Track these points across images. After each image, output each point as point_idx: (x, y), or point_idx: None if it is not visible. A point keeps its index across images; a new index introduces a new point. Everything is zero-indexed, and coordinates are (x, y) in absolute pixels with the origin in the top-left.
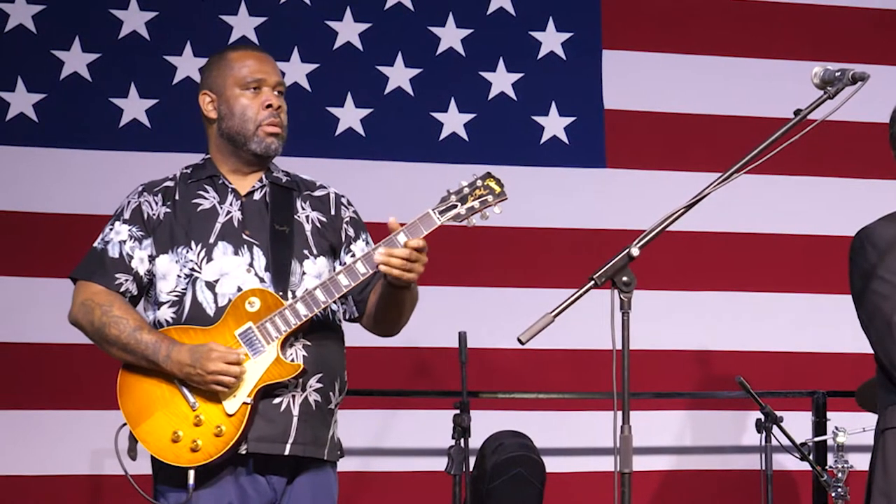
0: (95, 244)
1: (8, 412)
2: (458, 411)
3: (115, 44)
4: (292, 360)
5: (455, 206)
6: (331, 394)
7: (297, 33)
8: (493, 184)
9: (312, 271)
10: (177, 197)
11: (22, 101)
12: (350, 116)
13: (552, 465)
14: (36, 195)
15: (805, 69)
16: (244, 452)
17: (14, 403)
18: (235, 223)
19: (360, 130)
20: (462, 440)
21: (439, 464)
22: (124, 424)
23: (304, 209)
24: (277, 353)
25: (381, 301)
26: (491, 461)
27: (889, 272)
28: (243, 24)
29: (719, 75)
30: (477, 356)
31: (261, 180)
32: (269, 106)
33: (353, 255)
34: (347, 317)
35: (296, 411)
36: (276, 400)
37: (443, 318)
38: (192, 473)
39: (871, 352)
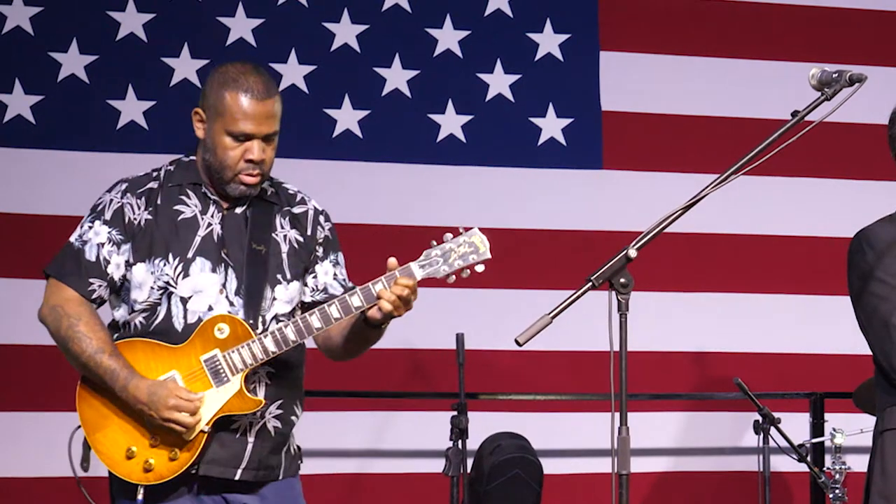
0: (72, 240)
1: (5, 413)
2: (455, 413)
3: (112, 46)
4: (254, 390)
5: (437, 263)
6: (292, 417)
7: (294, 35)
8: (477, 242)
9: (284, 297)
10: (159, 202)
11: (19, 102)
12: (347, 118)
13: (550, 466)
14: (34, 197)
15: (802, 71)
16: (195, 472)
17: (16, 404)
18: (215, 238)
19: (358, 132)
20: (460, 442)
21: (437, 465)
22: (79, 427)
23: (282, 227)
24: (241, 386)
25: (350, 334)
26: (489, 463)
27: (887, 274)
28: (241, 25)
29: (716, 77)
30: (474, 358)
31: None
32: (251, 161)
33: (315, 276)
34: None
35: (251, 438)
36: (234, 425)
37: (440, 319)
38: (141, 490)
39: (869, 353)
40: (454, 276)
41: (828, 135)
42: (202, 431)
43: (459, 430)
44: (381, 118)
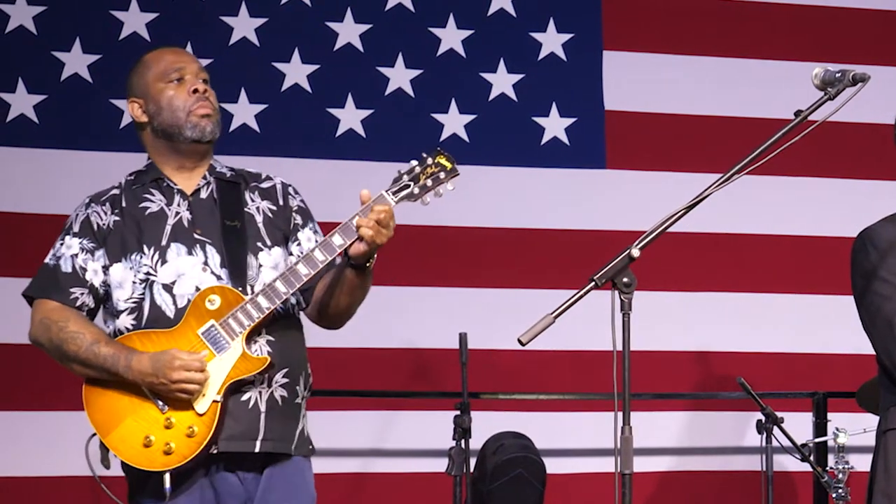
0: (47, 260)
1: (9, 413)
2: (458, 412)
3: (115, 45)
4: (258, 355)
5: (408, 186)
6: (297, 388)
7: (297, 34)
8: (443, 160)
9: (269, 262)
10: (124, 204)
11: (22, 102)
12: (350, 117)
13: (553, 466)
14: (36, 196)
15: (805, 70)
16: (215, 452)
17: (16, 404)
18: (185, 223)
19: (361, 132)
20: (463, 441)
21: (440, 465)
22: (94, 434)
23: (253, 201)
24: (243, 348)
25: (337, 288)
26: (491, 462)
27: (890, 273)
28: (244, 25)
29: (719, 76)
30: (477, 357)
31: (205, 177)
32: (196, 91)
33: (299, 244)
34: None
35: (263, 407)
36: (244, 397)
37: (443, 319)
38: (167, 477)
39: (872, 352)
40: (429, 197)
41: (832, 134)
42: (215, 401)
43: (462, 430)
44: (385, 118)
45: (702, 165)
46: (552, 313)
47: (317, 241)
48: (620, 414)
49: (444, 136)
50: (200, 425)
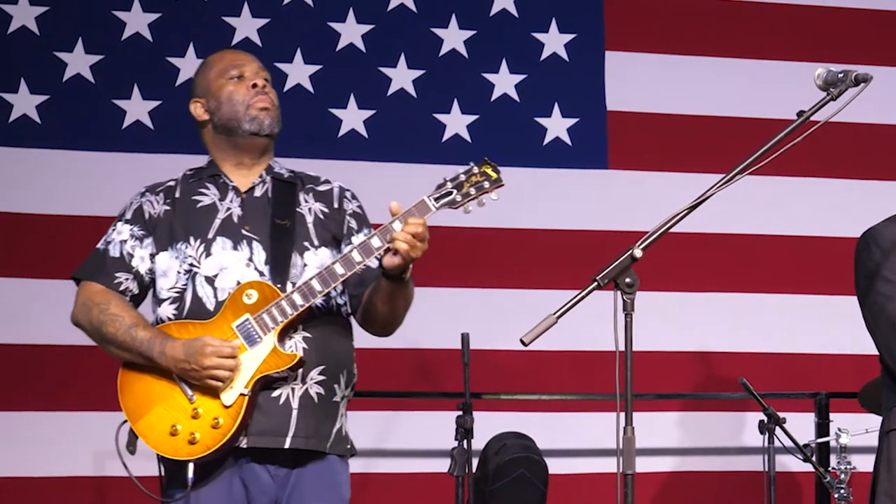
0: (98, 245)
1: (11, 413)
2: (460, 413)
3: (117, 45)
4: (291, 351)
5: (451, 193)
6: (335, 386)
7: (299, 35)
8: (489, 170)
9: (314, 262)
10: (177, 195)
11: (25, 102)
12: (353, 118)
13: (555, 466)
14: (38, 196)
15: (808, 71)
16: (244, 447)
17: (17, 405)
18: (235, 218)
19: (363, 132)
20: (465, 441)
21: (442, 465)
22: (125, 422)
23: (306, 202)
24: (275, 343)
25: (379, 296)
26: (494, 462)
27: (894, 273)
28: (246, 25)
29: (722, 77)
30: (480, 357)
31: (261, 176)
32: (255, 86)
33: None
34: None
35: (295, 404)
36: (275, 393)
37: (445, 319)
38: (191, 467)
39: (875, 353)
40: (471, 206)
41: (834, 134)
42: (242, 394)
43: (464, 430)
44: (387, 118)
45: (704, 166)
46: (554, 313)
47: None
48: (623, 414)
49: (447, 136)
50: (226, 417)
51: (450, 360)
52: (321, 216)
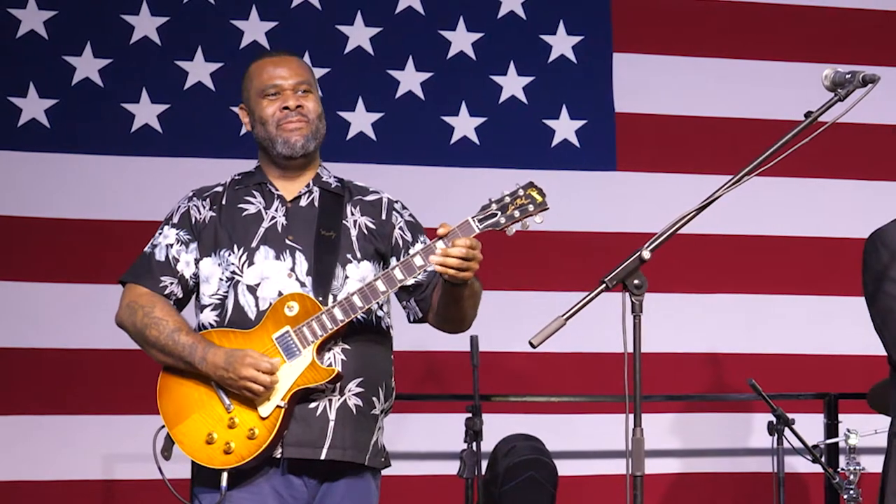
0: (145, 249)
1: (20, 417)
2: (470, 415)
3: (126, 49)
4: (329, 365)
5: (495, 215)
6: (374, 399)
7: (307, 38)
8: (534, 193)
9: (356, 275)
10: (224, 202)
11: (34, 106)
12: (361, 121)
13: (564, 468)
14: (47, 200)
15: (816, 71)
16: (279, 456)
17: (26, 408)
18: (279, 228)
19: (372, 135)
20: (474, 444)
21: (451, 467)
22: (162, 427)
23: (353, 214)
24: (313, 357)
25: (443, 299)
26: (503, 464)
27: None
28: (254, 28)
29: (730, 78)
30: (489, 360)
31: (308, 185)
32: (286, 108)
33: None
34: (412, 318)
35: (332, 415)
36: (313, 404)
37: None
38: (224, 475)
39: (883, 353)
40: (514, 228)
41: (843, 135)
42: (278, 406)
43: (474, 432)
44: (395, 120)
45: (712, 167)
46: (563, 315)
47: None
48: (632, 416)
49: (455, 138)
50: (262, 428)
51: (459, 362)
52: (365, 230)
